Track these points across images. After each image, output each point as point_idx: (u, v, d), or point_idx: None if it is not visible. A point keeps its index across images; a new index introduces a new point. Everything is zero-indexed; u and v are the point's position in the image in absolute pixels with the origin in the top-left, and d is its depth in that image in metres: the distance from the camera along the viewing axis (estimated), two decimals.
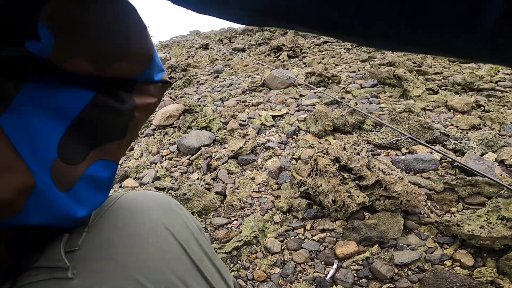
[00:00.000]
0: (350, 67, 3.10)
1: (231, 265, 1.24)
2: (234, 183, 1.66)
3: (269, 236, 1.32)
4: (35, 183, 0.30)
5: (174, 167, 1.87)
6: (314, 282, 1.12)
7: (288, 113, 2.28)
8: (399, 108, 2.00)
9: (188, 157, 1.94)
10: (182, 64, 3.63)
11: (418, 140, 1.27)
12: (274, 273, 1.19)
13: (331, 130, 1.88)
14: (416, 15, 0.16)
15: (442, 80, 2.31)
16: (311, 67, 2.92)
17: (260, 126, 2.15)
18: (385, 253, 1.15)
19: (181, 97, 3.02)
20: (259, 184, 1.64)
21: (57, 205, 0.32)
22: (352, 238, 1.21)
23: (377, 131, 1.78)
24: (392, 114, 1.77)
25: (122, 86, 0.37)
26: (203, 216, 1.47)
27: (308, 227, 1.33)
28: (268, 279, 1.18)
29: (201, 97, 2.96)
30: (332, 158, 1.38)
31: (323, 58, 3.53)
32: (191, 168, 1.86)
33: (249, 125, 2.18)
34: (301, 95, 2.56)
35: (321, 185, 1.33)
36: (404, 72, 2.21)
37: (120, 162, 2.06)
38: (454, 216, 1.11)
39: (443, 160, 1.46)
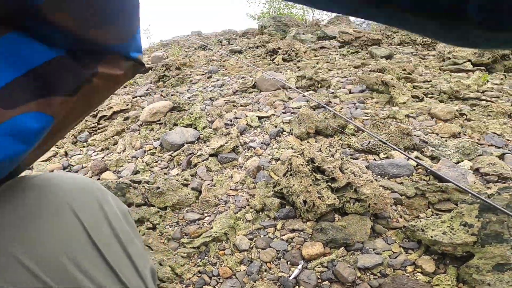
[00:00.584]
0: (342, 72, 3.11)
1: (198, 260, 1.23)
2: (212, 180, 1.66)
3: (239, 234, 1.32)
4: None
5: (155, 162, 1.88)
6: (277, 282, 1.12)
7: (274, 115, 2.29)
8: (383, 114, 2.00)
9: (170, 153, 1.94)
10: (176, 63, 3.65)
11: (388, 143, 1.27)
12: (240, 271, 1.18)
13: (313, 132, 1.88)
14: None
15: (430, 88, 2.32)
16: (303, 71, 2.92)
17: (245, 126, 2.15)
18: (350, 256, 1.14)
19: (172, 95, 3.03)
20: (237, 182, 1.64)
21: None
22: (319, 239, 1.20)
23: (358, 136, 1.78)
24: (373, 119, 1.78)
25: (93, 52, 0.38)
26: (176, 210, 1.47)
27: (278, 226, 1.33)
28: (233, 276, 1.17)
29: (192, 96, 2.96)
30: (307, 158, 1.38)
31: (317, 63, 3.55)
32: (171, 164, 1.86)
33: (234, 125, 2.18)
34: (290, 98, 2.56)
35: (293, 185, 1.32)
36: (392, 79, 2.22)
37: (102, 155, 2.07)
38: (420, 221, 1.11)
39: (419, 167, 1.46)
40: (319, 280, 1.10)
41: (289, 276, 1.12)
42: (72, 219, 0.36)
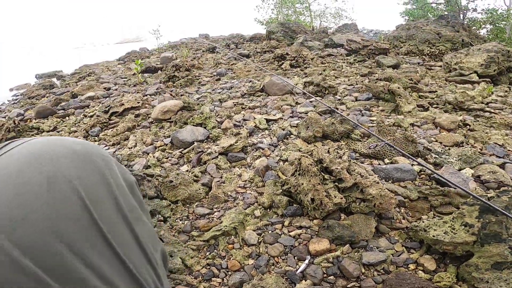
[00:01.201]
0: (348, 80, 3.18)
1: (207, 253, 1.29)
2: (221, 177, 1.72)
3: (248, 229, 1.37)
4: None
5: (165, 158, 1.93)
6: (285, 275, 1.17)
7: (282, 118, 2.35)
8: (388, 122, 2.06)
9: (180, 150, 2.00)
10: (186, 65, 3.72)
11: (396, 147, 1.32)
12: (248, 264, 1.23)
13: (320, 136, 1.94)
14: None
15: (435, 98, 2.38)
16: (311, 77, 2.99)
17: (253, 128, 2.21)
18: (355, 253, 1.19)
19: (182, 95, 3.10)
20: (245, 180, 1.69)
21: None
22: (325, 236, 1.25)
23: (364, 141, 1.84)
24: (379, 126, 1.83)
25: None
26: (187, 205, 1.52)
27: (286, 223, 1.38)
28: (242, 269, 1.22)
29: (201, 96, 3.03)
30: (316, 159, 1.43)
31: (324, 70, 3.62)
32: (182, 160, 1.92)
33: (243, 126, 2.24)
34: (297, 103, 2.63)
35: (302, 184, 1.38)
36: (398, 88, 2.28)
37: (114, 150, 2.13)
38: (423, 222, 1.16)
39: (422, 172, 1.51)
40: (325, 275, 1.15)
41: (296, 270, 1.17)
42: (67, 192, 0.29)
